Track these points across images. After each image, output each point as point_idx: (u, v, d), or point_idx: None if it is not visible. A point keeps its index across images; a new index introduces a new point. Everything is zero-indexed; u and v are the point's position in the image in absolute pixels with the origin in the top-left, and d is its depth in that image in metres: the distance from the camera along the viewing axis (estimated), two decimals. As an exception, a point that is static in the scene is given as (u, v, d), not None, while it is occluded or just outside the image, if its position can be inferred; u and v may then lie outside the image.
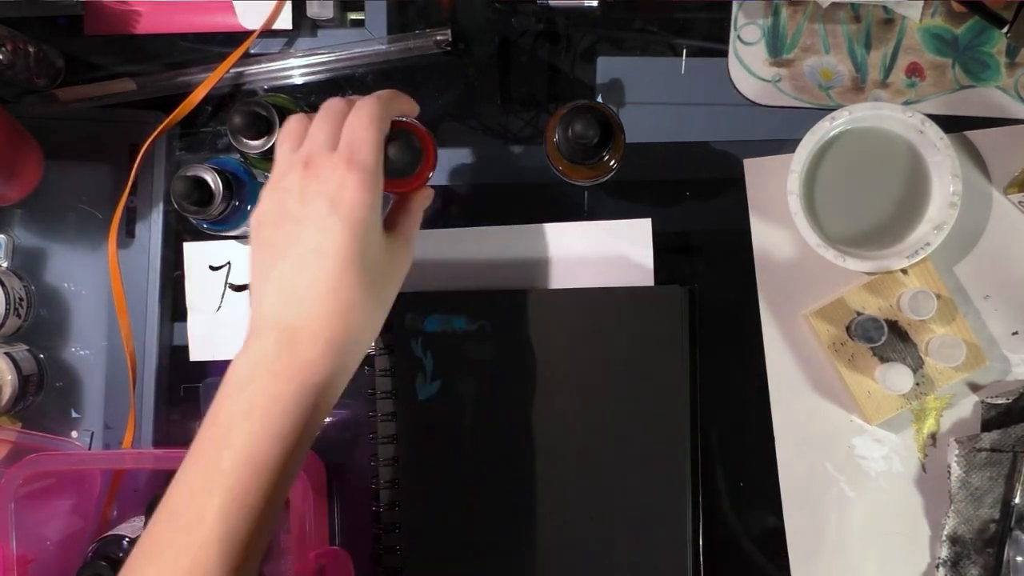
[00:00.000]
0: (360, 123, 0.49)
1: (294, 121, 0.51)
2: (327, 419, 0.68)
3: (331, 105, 0.51)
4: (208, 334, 0.69)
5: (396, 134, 0.52)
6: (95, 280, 0.69)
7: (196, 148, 0.70)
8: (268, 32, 0.68)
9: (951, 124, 0.64)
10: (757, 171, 0.66)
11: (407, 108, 0.55)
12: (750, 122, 0.67)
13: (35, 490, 0.64)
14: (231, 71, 0.68)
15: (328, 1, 0.67)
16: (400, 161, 0.52)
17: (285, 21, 0.68)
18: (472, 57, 0.69)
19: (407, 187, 0.55)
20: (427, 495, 0.65)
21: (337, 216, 0.47)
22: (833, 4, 0.65)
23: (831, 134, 0.62)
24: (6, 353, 0.66)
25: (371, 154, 0.48)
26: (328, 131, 0.49)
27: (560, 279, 0.67)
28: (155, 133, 0.67)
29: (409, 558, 0.64)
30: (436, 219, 0.68)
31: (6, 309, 0.66)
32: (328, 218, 0.47)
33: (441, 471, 0.64)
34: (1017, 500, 0.62)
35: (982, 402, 0.64)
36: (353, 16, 0.69)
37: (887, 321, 0.62)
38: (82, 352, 0.70)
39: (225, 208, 0.62)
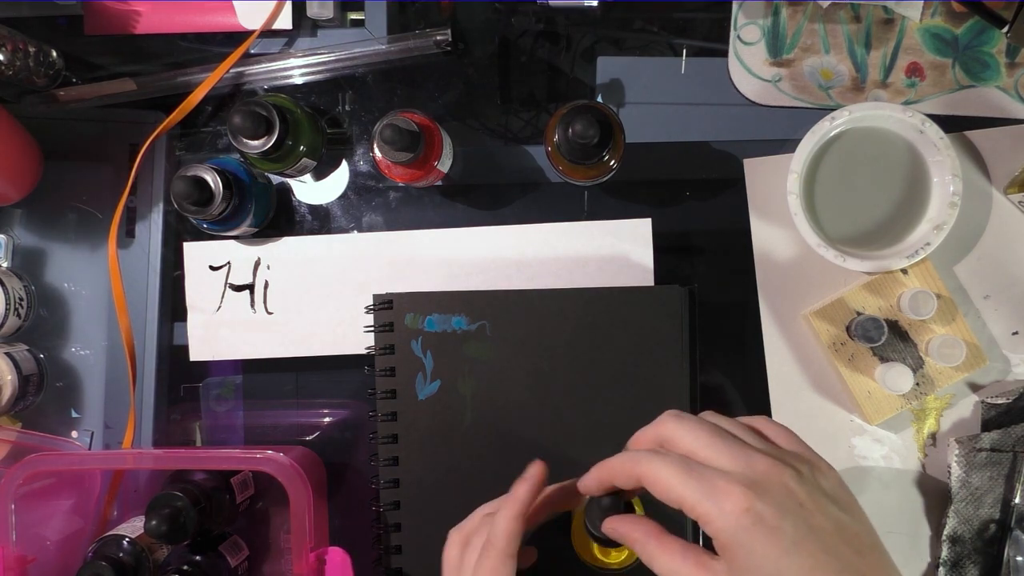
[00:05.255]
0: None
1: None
2: (327, 419, 0.69)
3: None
4: (208, 334, 0.69)
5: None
6: (95, 280, 0.69)
7: (196, 148, 0.70)
8: (268, 32, 0.68)
9: (951, 124, 0.64)
10: (757, 171, 0.66)
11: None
12: (750, 122, 0.67)
13: (35, 490, 0.64)
14: (231, 71, 0.68)
15: (328, 1, 0.67)
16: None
17: (285, 21, 0.68)
18: (472, 57, 0.69)
19: (419, 173, 0.61)
20: (427, 495, 0.65)
21: None
22: (833, 4, 0.65)
23: (831, 134, 0.62)
24: (6, 353, 0.66)
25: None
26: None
27: (560, 279, 0.67)
28: (155, 133, 0.67)
29: (409, 558, 0.64)
30: (437, 219, 0.68)
31: (6, 309, 0.66)
32: None
33: (441, 471, 0.64)
34: (1017, 500, 0.62)
35: (982, 402, 0.64)
36: (353, 16, 0.69)
37: (887, 321, 0.62)
38: (82, 352, 0.70)
39: (225, 208, 0.62)
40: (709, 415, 0.45)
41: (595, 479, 0.45)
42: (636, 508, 0.54)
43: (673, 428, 0.43)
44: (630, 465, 0.42)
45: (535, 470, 0.50)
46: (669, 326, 0.64)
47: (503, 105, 0.68)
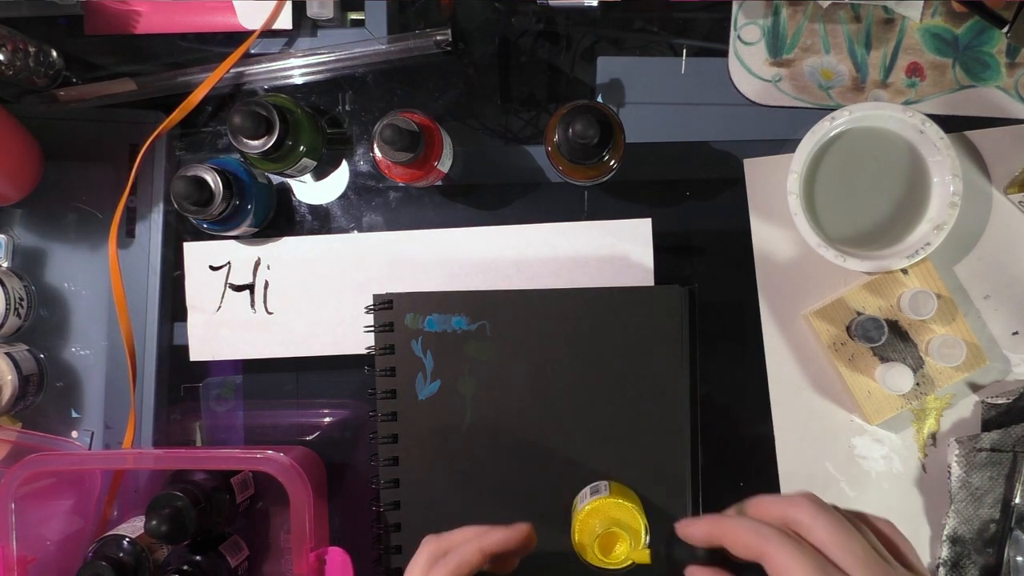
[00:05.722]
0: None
1: None
2: (327, 419, 0.69)
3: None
4: (208, 334, 0.69)
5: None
6: (95, 280, 0.69)
7: (196, 148, 0.70)
8: (268, 32, 0.68)
9: (951, 124, 0.64)
10: (757, 171, 0.66)
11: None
12: (750, 122, 0.67)
13: (35, 490, 0.64)
14: (231, 71, 0.68)
15: (328, 1, 0.67)
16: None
17: (285, 21, 0.68)
18: (472, 57, 0.69)
19: (419, 173, 0.62)
20: (427, 495, 0.65)
21: None
22: (833, 4, 0.65)
23: (831, 134, 0.62)
24: (6, 353, 0.66)
25: None
26: None
27: (560, 279, 0.67)
28: (155, 133, 0.67)
29: (409, 558, 0.64)
30: (437, 219, 0.68)
31: (6, 309, 0.66)
32: None
33: (441, 471, 0.64)
34: (1017, 500, 0.62)
35: (982, 402, 0.64)
36: (353, 16, 0.69)
37: (887, 321, 0.62)
38: (82, 352, 0.70)
39: (225, 208, 0.62)
40: (836, 509, 0.42)
41: (705, 534, 0.42)
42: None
43: (810, 515, 0.40)
44: (755, 539, 0.39)
45: (523, 528, 0.50)
46: (669, 326, 0.64)
47: (503, 105, 0.68)
